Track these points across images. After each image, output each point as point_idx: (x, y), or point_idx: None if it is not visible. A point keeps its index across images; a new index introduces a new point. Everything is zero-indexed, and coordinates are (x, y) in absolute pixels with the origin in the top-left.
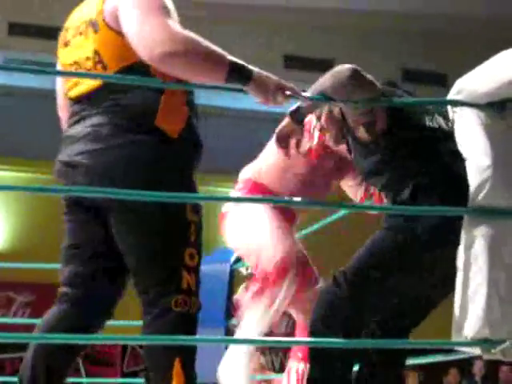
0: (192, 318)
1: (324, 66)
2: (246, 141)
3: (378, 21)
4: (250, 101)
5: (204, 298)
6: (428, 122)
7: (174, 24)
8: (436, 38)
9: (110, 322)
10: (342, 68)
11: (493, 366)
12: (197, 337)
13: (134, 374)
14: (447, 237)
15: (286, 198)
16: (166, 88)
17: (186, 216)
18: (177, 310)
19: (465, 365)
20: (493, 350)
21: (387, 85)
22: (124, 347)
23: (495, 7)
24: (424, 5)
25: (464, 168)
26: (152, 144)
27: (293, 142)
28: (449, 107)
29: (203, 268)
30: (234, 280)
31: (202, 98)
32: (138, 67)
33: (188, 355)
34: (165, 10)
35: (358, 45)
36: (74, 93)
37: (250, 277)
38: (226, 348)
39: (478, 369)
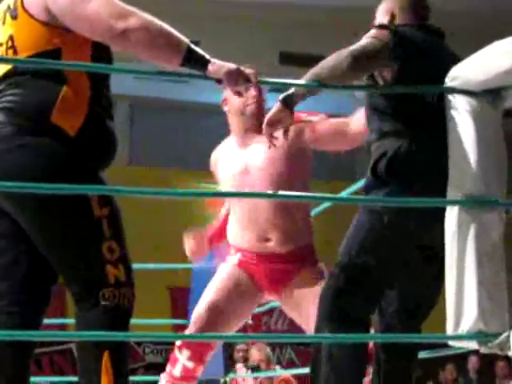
0: (123, 310)
1: (319, 62)
2: None
3: (371, 17)
4: None
5: (201, 294)
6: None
7: (120, 1)
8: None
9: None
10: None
11: (488, 362)
12: (128, 332)
13: (132, 372)
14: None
15: (269, 192)
16: (69, 79)
17: (93, 213)
18: (105, 304)
19: (461, 360)
20: (489, 344)
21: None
22: None
23: (487, 3)
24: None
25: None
26: (45, 148)
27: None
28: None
29: (201, 265)
30: None
31: (204, 96)
32: (48, 55)
33: (118, 350)
34: None
35: (352, 42)
36: None
37: None
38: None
39: (472, 365)
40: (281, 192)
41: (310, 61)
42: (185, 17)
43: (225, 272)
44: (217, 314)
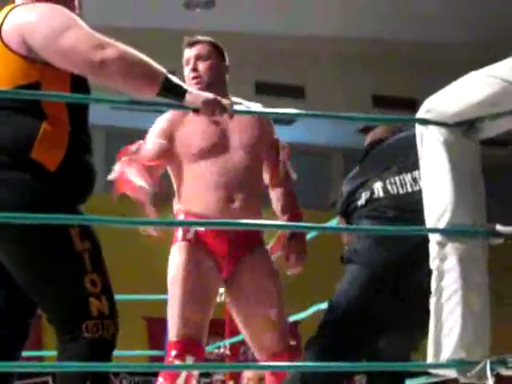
0: (106, 342)
1: (295, 92)
2: None
3: (348, 47)
4: None
5: None
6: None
7: (96, 32)
8: (406, 64)
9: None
10: None
11: None
12: (110, 363)
13: None
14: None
15: (254, 222)
16: (48, 114)
17: (74, 248)
18: (87, 336)
19: None
20: (468, 374)
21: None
22: None
23: (463, 34)
24: (395, 31)
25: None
26: (24, 184)
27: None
28: (416, 127)
29: None
30: None
31: None
32: (29, 88)
33: (99, 381)
34: (78, 21)
35: (329, 71)
36: None
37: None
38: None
39: None
40: (250, 220)
41: (286, 90)
42: (160, 47)
43: (186, 257)
44: (195, 302)
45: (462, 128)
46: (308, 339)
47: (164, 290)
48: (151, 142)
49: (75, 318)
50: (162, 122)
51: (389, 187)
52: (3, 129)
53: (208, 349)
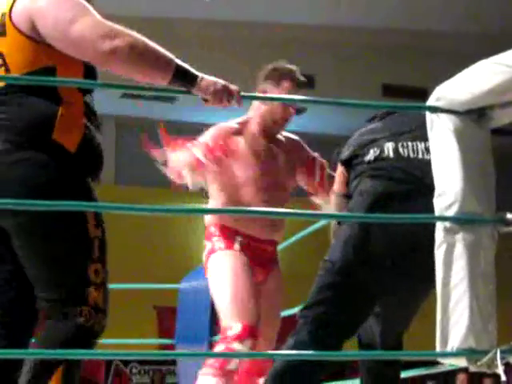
0: (93, 333)
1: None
2: None
3: (359, 37)
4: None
5: (187, 314)
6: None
7: (106, 20)
8: (416, 54)
9: None
10: None
11: (477, 379)
12: (92, 350)
13: None
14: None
15: (265, 210)
16: (64, 98)
17: (88, 232)
18: (80, 321)
19: (442, 379)
20: (478, 363)
21: None
22: (108, 365)
23: (473, 24)
24: (403, 20)
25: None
26: (47, 162)
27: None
28: (427, 115)
29: (186, 284)
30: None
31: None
32: (43, 74)
33: (72, 369)
34: (88, 9)
35: (339, 60)
36: None
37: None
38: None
39: (459, 383)
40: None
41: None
42: (170, 38)
43: (235, 261)
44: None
45: (473, 116)
46: (304, 307)
47: (174, 280)
48: (213, 141)
49: (73, 301)
50: (220, 131)
51: (400, 149)
52: (22, 112)
53: (217, 338)
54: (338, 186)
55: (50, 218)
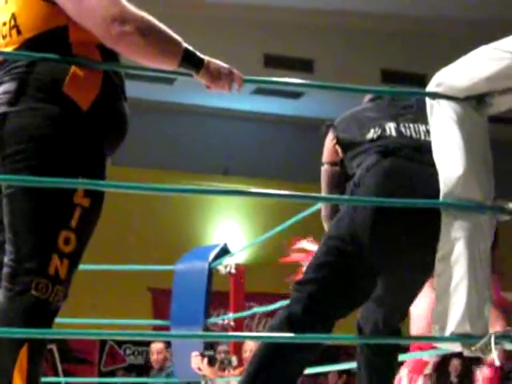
0: (50, 306)
1: (304, 65)
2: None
3: (358, 21)
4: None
5: (183, 296)
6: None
7: None
8: (415, 39)
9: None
10: None
11: (470, 366)
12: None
13: (112, 373)
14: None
15: (258, 191)
16: (77, 54)
17: (72, 198)
18: (35, 294)
19: (439, 363)
20: (473, 348)
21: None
22: (102, 345)
23: (472, 9)
24: (403, 6)
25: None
26: (56, 114)
27: None
28: (426, 100)
29: (181, 266)
30: (212, 278)
31: (187, 97)
32: (55, 34)
33: (38, 348)
34: None
35: (338, 45)
36: None
37: (228, 275)
38: (205, 344)
39: (453, 368)
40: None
41: (294, 63)
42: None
43: None
44: None
45: (472, 102)
46: (300, 281)
47: (169, 262)
48: None
49: (29, 271)
50: None
51: (402, 129)
52: (33, 66)
53: (211, 320)
54: (328, 154)
55: (39, 172)
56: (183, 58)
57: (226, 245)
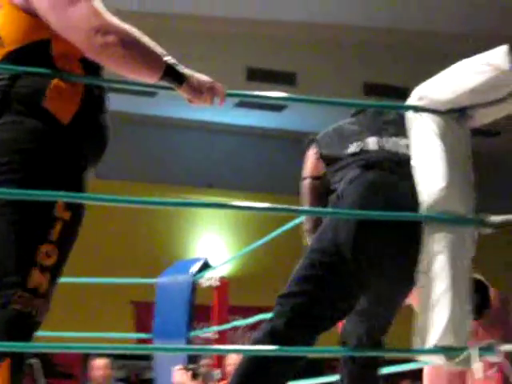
0: (31, 320)
1: (286, 78)
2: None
3: (341, 35)
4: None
5: (165, 309)
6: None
7: (104, 10)
8: (397, 53)
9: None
10: None
11: None
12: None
13: None
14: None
15: (244, 204)
16: (59, 68)
17: (53, 211)
18: (16, 308)
19: (418, 376)
20: (456, 359)
21: None
22: (84, 359)
23: (456, 23)
24: (385, 19)
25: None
26: (36, 128)
27: None
28: (407, 114)
29: (165, 280)
30: (195, 292)
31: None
32: (37, 47)
33: (18, 360)
34: None
35: (321, 59)
36: None
37: (212, 288)
38: (188, 357)
39: None
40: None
41: (277, 77)
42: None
43: None
44: None
45: (454, 115)
46: (282, 294)
47: (153, 275)
48: None
49: (11, 285)
50: None
51: (384, 143)
52: (15, 79)
53: (194, 333)
54: (311, 169)
55: (20, 185)
56: (165, 72)
57: (206, 259)
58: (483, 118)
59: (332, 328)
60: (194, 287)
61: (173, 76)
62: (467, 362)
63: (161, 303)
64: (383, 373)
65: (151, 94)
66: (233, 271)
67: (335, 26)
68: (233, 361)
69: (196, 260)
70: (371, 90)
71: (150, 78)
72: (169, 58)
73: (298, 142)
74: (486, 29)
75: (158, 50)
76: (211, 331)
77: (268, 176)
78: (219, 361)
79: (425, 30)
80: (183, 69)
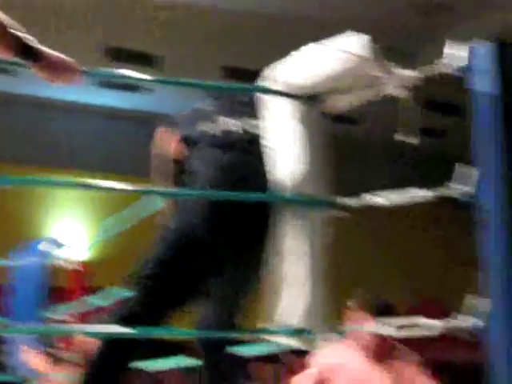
0: None
1: (144, 59)
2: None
3: (204, 18)
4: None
5: (18, 291)
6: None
7: None
8: (255, 36)
9: None
10: None
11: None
12: None
13: None
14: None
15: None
16: None
17: None
18: None
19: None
20: (307, 341)
21: None
22: None
23: (303, 7)
24: (247, 3)
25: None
26: None
27: None
28: (261, 96)
29: (16, 261)
30: (49, 273)
31: (33, 89)
32: None
33: None
34: None
35: (181, 41)
36: None
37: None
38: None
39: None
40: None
41: (135, 57)
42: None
43: None
44: None
45: (310, 101)
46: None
47: (1, 255)
48: None
49: None
50: None
51: (239, 124)
52: None
53: (48, 314)
54: (169, 150)
55: None
56: (21, 47)
57: (56, 239)
58: (339, 104)
59: (188, 310)
60: (47, 268)
61: (28, 51)
62: (313, 343)
63: (12, 285)
64: (239, 355)
65: (14, 73)
66: (92, 254)
67: (197, 8)
68: (80, 341)
69: (45, 239)
70: (229, 73)
71: (4, 54)
72: (24, 35)
73: (152, 123)
74: (328, 14)
75: (12, 24)
76: (64, 311)
77: (130, 157)
78: (71, 342)
79: (288, 16)
80: (38, 46)
